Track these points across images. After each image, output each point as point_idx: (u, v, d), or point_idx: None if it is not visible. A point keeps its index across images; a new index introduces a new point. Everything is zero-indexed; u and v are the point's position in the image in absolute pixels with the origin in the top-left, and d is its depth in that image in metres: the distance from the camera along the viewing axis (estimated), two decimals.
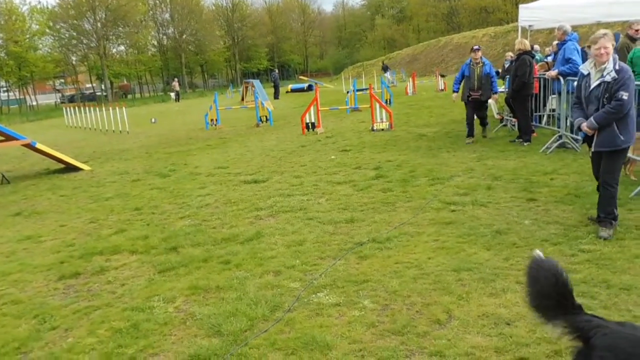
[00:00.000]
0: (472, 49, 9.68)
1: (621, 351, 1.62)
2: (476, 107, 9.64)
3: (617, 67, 4.28)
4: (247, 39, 70.19)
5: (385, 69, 36.46)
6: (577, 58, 8.10)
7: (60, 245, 5.62)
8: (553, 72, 8.52)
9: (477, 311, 3.31)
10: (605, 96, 4.32)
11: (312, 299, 3.72)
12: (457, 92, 9.89)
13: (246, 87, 27.78)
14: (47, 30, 49.07)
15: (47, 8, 50.72)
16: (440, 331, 3.13)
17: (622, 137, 4.34)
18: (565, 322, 1.77)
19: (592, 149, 4.56)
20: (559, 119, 8.48)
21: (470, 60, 9.55)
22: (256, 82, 24.69)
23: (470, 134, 9.63)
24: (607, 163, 4.48)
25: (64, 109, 26.36)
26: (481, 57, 9.51)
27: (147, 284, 4.28)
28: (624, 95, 4.20)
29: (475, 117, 9.72)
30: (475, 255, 4.23)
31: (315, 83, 33.94)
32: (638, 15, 9.06)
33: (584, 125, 4.48)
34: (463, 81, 9.69)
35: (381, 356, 2.91)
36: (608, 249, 4.11)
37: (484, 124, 10.17)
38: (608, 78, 4.29)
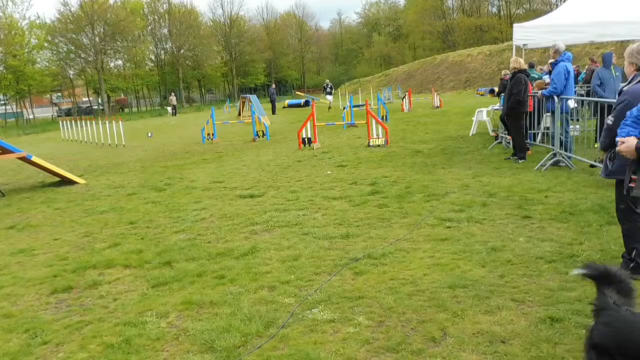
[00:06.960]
0: None
1: (614, 328, 2.07)
2: None
3: None
4: (245, 54, 70.58)
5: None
6: (559, 80, 8.22)
7: (53, 258, 5.58)
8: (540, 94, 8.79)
9: (472, 329, 3.29)
10: None
11: (307, 314, 3.70)
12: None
13: (243, 102, 27.90)
14: (46, 45, 49.25)
15: (46, 23, 51.05)
16: (435, 349, 3.11)
17: None
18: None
19: None
20: (553, 137, 8.55)
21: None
22: (253, 97, 24.83)
23: None
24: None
25: (60, 122, 26.35)
26: None
27: (140, 299, 4.25)
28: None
29: None
30: (471, 272, 4.22)
31: (312, 99, 34.04)
32: (631, 36, 9.18)
33: None
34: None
35: None
36: None
37: None
38: None
